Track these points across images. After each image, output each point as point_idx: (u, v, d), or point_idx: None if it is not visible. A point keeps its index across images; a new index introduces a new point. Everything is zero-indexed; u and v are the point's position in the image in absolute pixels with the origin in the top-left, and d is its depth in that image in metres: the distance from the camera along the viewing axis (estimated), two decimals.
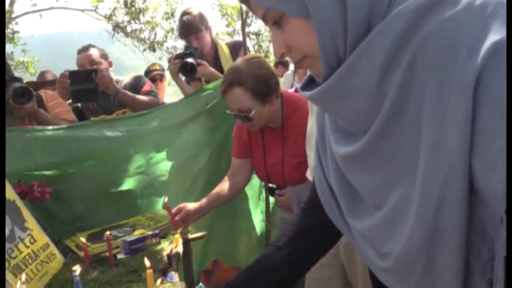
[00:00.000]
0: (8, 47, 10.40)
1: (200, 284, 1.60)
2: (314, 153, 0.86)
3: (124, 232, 1.63)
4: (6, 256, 1.23)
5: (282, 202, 1.84)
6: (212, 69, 2.22)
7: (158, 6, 11.18)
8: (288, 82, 4.95)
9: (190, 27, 2.37)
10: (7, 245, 1.26)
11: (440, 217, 0.56)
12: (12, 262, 1.24)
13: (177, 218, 1.59)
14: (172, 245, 1.52)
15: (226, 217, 2.24)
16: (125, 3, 10.88)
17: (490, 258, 0.55)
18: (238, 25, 11.37)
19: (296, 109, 1.71)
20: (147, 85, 2.42)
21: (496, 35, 0.51)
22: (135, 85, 2.38)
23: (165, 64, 2.94)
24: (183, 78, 2.38)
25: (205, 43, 2.39)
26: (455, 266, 0.57)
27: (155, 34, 11.50)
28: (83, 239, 1.44)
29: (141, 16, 11.14)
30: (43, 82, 2.72)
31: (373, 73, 0.60)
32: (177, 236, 1.55)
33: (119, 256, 1.45)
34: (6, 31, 10.15)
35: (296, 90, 2.63)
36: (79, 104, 2.37)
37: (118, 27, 11.25)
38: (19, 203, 1.42)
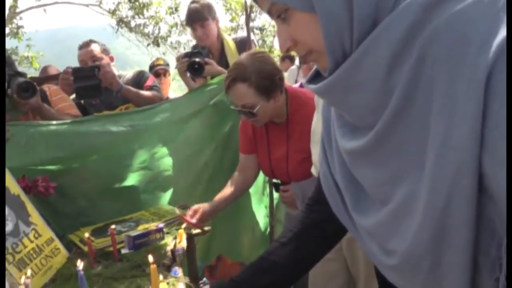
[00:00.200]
0: (13, 42, 10.41)
1: (204, 279, 1.60)
2: (320, 148, 0.86)
3: (128, 227, 1.63)
4: (11, 251, 1.24)
5: (286, 197, 1.83)
6: (220, 68, 2.22)
7: (162, 0, 11.15)
8: (292, 77, 4.93)
9: (197, 14, 2.38)
10: (12, 240, 1.27)
11: (448, 215, 0.55)
12: (16, 257, 1.24)
13: (194, 220, 1.62)
14: (176, 240, 1.52)
15: (230, 213, 2.24)
16: None
17: (499, 257, 0.54)
18: (242, 20, 11.32)
19: (301, 104, 1.70)
20: (150, 80, 2.41)
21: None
22: (138, 80, 2.38)
23: (169, 59, 2.93)
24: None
25: (210, 33, 2.40)
26: (462, 264, 0.56)
27: (159, 29, 11.48)
28: (87, 234, 1.44)
29: (145, 11, 11.11)
30: (47, 77, 2.72)
31: (379, 67, 0.59)
32: (181, 231, 1.55)
33: (123, 251, 1.45)
34: (11, 26, 10.17)
35: (301, 85, 2.61)
36: (81, 100, 2.37)
37: (122, 22, 11.23)
38: (24, 197, 1.42)
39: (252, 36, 2.45)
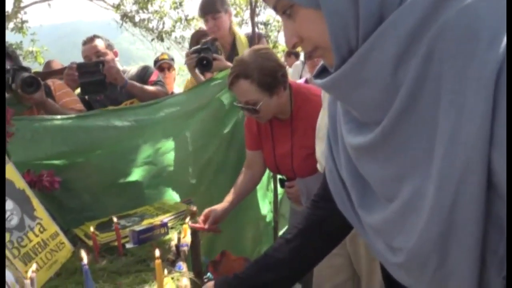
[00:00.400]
0: (17, 37, 10.42)
1: (208, 274, 1.61)
2: (325, 144, 0.85)
3: (132, 221, 1.63)
4: (16, 245, 1.24)
5: (291, 193, 1.83)
6: (228, 63, 2.22)
7: None
8: (297, 72, 4.90)
9: (209, 6, 2.40)
10: (17, 234, 1.27)
11: (456, 212, 0.54)
12: (22, 251, 1.25)
13: (206, 226, 1.64)
14: (181, 235, 1.52)
15: (234, 208, 2.24)
16: None
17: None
18: (246, 14, 11.29)
19: (305, 100, 1.70)
20: (154, 75, 2.41)
21: None
22: (142, 75, 2.37)
23: (173, 54, 2.94)
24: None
25: (222, 25, 2.41)
26: (470, 262, 0.56)
27: (163, 23, 11.45)
28: (92, 228, 1.45)
29: (149, 6, 11.08)
30: (51, 71, 2.72)
31: (386, 63, 0.58)
32: (186, 226, 1.55)
33: (128, 246, 1.45)
34: (15, 20, 10.17)
35: (306, 81, 2.60)
36: (86, 96, 2.37)
37: (126, 17, 11.21)
38: (29, 192, 1.42)
39: (256, 31, 2.45)
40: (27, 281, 0.98)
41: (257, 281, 0.94)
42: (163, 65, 3.40)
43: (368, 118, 0.67)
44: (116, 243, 1.43)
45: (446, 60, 0.54)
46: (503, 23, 0.50)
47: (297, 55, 6.12)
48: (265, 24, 12.14)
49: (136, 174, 1.92)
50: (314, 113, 1.59)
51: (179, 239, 1.51)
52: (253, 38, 2.36)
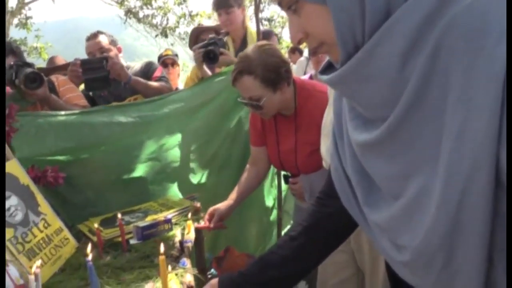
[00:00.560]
0: (22, 33, 10.44)
1: (212, 270, 1.61)
2: (331, 141, 0.84)
3: (136, 217, 1.63)
4: (21, 240, 1.25)
5: (295, 190, 1.83)
6: (234, 58, 2.22)
7: None
8: (301, 68, 4.88)
9: (223, 0, 2.41)
10: (22, 229, 1.28)
11: (463, 210, 0.54)
12: (26, 246, 1.25)
13: (212, 225, 1.64)
14: (185, 231, 1.52)
15: (239, 205, 2.24)
16: None
17: None
18: (250, 10, 11.28)
19: (309, 96, 1.69)
20: (158, 71, 2.41)
21: None
22: (146, 71, 2.37)
23: (177, 50, 2.94)
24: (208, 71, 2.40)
25: (234, 19, 2.44)
26: (477, 261, 0.55)
27: (167, 19, 11.44)
28: (96, 224, 1.45)
29: (153, 2, 11.08)
30: (54, 67, 2.73)
31: (393, 58, 0.57)
32: (190, 222, 1.55)
33: (132, 242, 1.46)
34: (19, 16, 10.19)
35: (310, 77, 2.59)
36: (90, 92, 2.37)
37: (130, 13, 11.21)
38: (33, 187, 1.43)
39: (261, 27, 2.45)
40: (31, 277, 0.98)
41: (262, 278, 0.94)
42: (167, 61, 3.40)
43: (374, 114, 0.66)
44: (120, 239, 1.44)
45: (454, 55, 0.53)
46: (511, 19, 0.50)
47: (301, 52, 6.08)
48: (269, 20, 12.12)
49: (140, 170, 1.92)
50: (318, 109, 1.58)
51: (183, 235, 1.51)
52: (258, 34, 2.35)
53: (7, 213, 1.26)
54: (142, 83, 2.22)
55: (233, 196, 1.77)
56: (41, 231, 1.35)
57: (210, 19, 9.64)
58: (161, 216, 1.58)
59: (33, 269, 1.04)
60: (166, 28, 11.37)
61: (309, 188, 1.73)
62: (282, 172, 1.99)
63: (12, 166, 1.39)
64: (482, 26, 0.51)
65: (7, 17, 9.01)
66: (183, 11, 11.34)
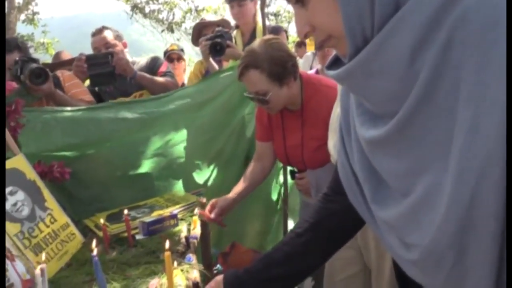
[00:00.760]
0: (29, 28, 10.50)
1: (218, 265, 1.60)
2: (337, 137, 0.83)
3: (142, 213, 1.64)
4: (27, 235, 1.25)
5: (301, 185, 1.82)
6: (241, 52, 2.21)
7: None
8: (308, 63, 4.86)
9: None
10: (28, 224, 1.28)
11: (475, 207, 0.52)
12: (33, 241, 1.26)
13: (212, 215, 1.63)
14: (190, 227, 1.52)
15: (243, 200, 2.24)
16: None
17: None
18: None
19: (315, 91, 1.68)
20: (164, 66, 2.41)
21: None
22: (152, 66, 2.37)
23: (183, 45, 2.94)
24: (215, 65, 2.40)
25: (246, 12, 2.46)
26: (488, 259, 0.54)
27: (173, 14, 11.44)
28: (102, 220, 1.45)
29: None
30: (59, 62, 2.73)
31: (403, 52, 0.56)
32: (195, 218, 1.55)
33: (138, 237, 1.46)
34: (26, 12, 10.23)
35: (317, 72, 2.57)
36: (96, 87, 2.37)
37: (136, 8, 11.21)
38: (40, 183, 1.43)
39: (267, 22, 2.46)
40: (38, 272, 0.98)
41: (267, 275, 0.93)
42: (172, 56, 3.39)
43: (383, 110, 0.64)
44: (126, 234, 1.44)
45: (466, 49, 0.51)
46: None
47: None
48: (276, 15, 12.06)
49: (146, 166, 1.92)
50: (325, 104, 1.57)
51: (188, 230, 1.51)
52: (263, 29, 2.34)
53: (13, 208, 1.26)
54: (147, 78, 2.21)
55: (236, 190, 1.77)
56: (48, 226, 1.35)
57: (216, 14, 9.60)
58: (167, 212, 1.58)
59: (39, 265, 1.05)
60: (172, 23, 11.37)
61: (316, 183, 1.73)
62: (289, 168, 1.98)
63: (19, 161, 1.40)
64: (495, 18, 0.49)
65: (14, 13, 9.04)
66: (189, 6, 11.33)
